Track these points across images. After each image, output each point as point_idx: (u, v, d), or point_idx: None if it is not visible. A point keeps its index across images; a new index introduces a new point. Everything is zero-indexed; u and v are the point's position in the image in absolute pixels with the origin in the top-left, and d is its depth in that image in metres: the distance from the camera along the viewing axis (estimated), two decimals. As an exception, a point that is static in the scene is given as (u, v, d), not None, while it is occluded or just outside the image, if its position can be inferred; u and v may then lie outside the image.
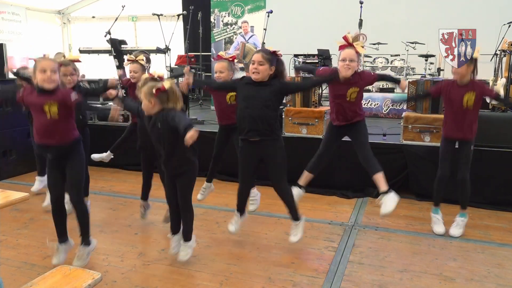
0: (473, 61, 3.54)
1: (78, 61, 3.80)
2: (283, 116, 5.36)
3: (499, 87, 6.22)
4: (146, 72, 3.98)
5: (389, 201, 3.39)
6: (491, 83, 6.24)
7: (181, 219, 3.25)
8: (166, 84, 2.92)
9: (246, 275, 3.09)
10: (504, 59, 6.44)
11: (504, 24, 6.47)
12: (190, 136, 2.59)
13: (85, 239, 3.22)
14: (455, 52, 3.38)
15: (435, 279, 3.05)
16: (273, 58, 3.23)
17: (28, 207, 4.44)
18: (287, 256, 3.41)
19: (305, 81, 3.63)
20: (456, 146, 3.77)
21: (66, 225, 3.26)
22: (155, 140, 3.07)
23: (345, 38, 3.52)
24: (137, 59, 4.10)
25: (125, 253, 3.46)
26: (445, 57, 3.67)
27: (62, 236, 3.24)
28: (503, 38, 6.50)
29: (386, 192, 3.43)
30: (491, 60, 6.65)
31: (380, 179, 3.48)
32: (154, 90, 2.88)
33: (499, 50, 6.55)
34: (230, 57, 3.92)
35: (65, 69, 3.67)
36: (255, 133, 3.21)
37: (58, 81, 3.05)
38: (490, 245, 3.63)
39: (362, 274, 3.13)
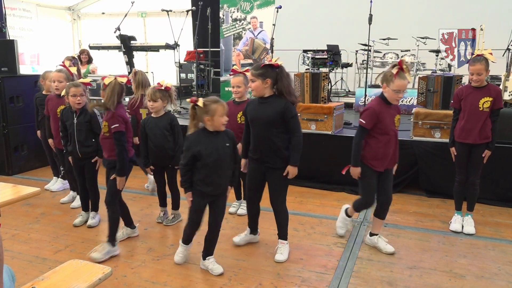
0: (488, 65, 3.54)
1: (90, 84, 3.84)
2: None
3: (511, 83, 6.14)
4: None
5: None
6: (503, 79, 6.16)
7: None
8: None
9: (255, 271, 3.10)
10: (517, 55, 6.35)
11: (517, 19, 6.38)
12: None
13: (111, 238, 3.31)
14: (455, 52, 3.35)
15: (445, 276, 3.03)
16: (265, 71, 3.06)
17: (39, 201, 4.49)
18: (295, 252, 3.41)
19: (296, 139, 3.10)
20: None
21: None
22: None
23: (399, 63, 3.23)
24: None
25: (135, 248, 3.48)
26: (445, 57, 3.65)
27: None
28: (515, 33, 6.41)
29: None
30: (503, 55, 6.55)
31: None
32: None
33: (511, 46, 6.46)
34: (244, 71, 3.90)
35: (76, 90, 3.67)
36: (258, 153, 3.19)
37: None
38: (501, 242, 3.60)
39: (371, 270, 3.12)
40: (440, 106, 4.89)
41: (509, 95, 6.24)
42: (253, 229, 3.56)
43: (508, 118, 4.43)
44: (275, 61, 3.11)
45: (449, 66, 8.22)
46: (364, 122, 3.25)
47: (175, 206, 4.06)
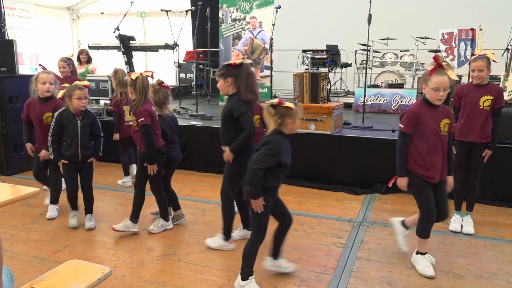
0: (490, 64, 3.54)
1: (88, 87, 3.84)
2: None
3: (511, 82, 6.14)
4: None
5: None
6: (502, 78, 6.16)
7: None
8: None
9: (254, 271, 3.09)
10: (516, 54, 6.35)
11: (516, 19, 6.38)
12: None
13: (164, 217, 3.84)
14: (455, 52, 3.30)
15: (444, 276, 3.03)
16: (226, 70, 3.16)
17: (39, 202, 4.49)
18: (295, 252, 3.41)
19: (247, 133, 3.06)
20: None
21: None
22: None
23: (435, 58, 2.99)
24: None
25: (134, 248, 3.48)
26: (445, 57, 3.64)
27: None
28: (514, 33, 6.41)
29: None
30: (502, 55, 6.56)
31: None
32: None
33: (510, 45, 6.46)
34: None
35: (81, 92, 3.70)
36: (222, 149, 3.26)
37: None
38: (500, 242, 3.60)
39: (371, 270, 3.12)
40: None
41: (508, 95, 6.24)
42: (246, 224, 3.58)
43: (508, 117, 4.43)
44: (238, 62, 3.17)
45: (448, 66, 8.23)
46: (402, 126, 3.01)
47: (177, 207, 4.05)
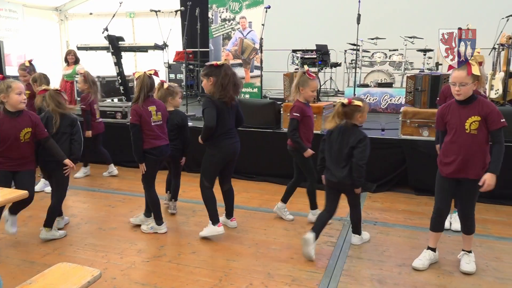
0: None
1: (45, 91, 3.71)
2: (282, 112, 5.37)
3: (498, 81, 6.22)
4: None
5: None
6: (489, 77, 6.24)
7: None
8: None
9: (245, 271, 3.10)
10: (503, 53, 6.43)
11: (503, 18, 6.46)
12: None
13: (156, 220, 3.79)
14: (455, 52, 3.24)
15: (434, 273, 3.06)
16: (209, 70, 3.42)
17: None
18: (286, 251, 3.42)
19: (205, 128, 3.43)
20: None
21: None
22: None
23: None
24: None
25: (124, 250, 3.46)
26: (445, 57, 3.61)
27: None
28: (501, 32, 6.50)
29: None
30: (489, 54, 6.65)
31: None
32: None
33: (497, 44, 6.54)
34: None
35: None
36: None
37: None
38: (488, 239, 3.64)
39: (361, 268, 3.14)
40: (428, 105, 4.94)
41: (495, 93, 6.33)
42: (228, 213, 3.89)
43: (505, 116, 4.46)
44: (220, 63, 3.45)
45: (437, 65, 8.32)
46: (435, 123, 3.15)
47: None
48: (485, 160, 2.90)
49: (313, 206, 4.02)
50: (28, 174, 3.44)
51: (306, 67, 3.75)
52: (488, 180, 2.83)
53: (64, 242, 3.62)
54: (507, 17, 6.35)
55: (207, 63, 3.51)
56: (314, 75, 3.78)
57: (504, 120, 2.85)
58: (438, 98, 3.93)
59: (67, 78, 7.47)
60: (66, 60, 7.66)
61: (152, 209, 3.80)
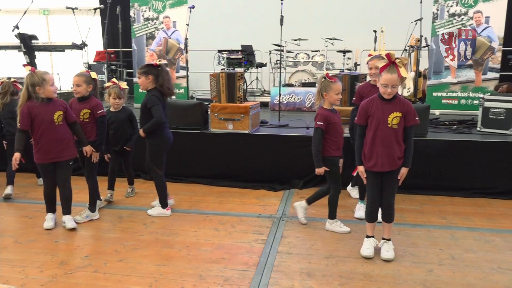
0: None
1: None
2: (209, 112, 5.35)
3: (409, 80, 6.73)
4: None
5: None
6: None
7: None
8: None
9: (177, 275, 3.05)
10: (413, 54, 6.97)
11: (412, 22, 6.99)
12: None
13: (91, 207, 4.11)
14: (455, 52, 3.31)
15: (358, 262, 3.23)
16: (148, 69, 3.90)
17: None
18: (217, 252, 3.41)
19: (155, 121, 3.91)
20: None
21: None
22: None
23: (388, 56, 3.04)
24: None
25: (45, 263, 3.23)
26: (445, 57, 3.71)
27: None
28: (411, 34, 7.03)
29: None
30: (401, 55, 7.16)
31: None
32: None
33: (407, 46, 7.07)
34: None
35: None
36: None
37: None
38: (405, 227, 3.92)
39: (291, 263, 3.22)
40: (348, 103, 5.20)
41: (407, 92, 6.84)
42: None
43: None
44: (159, 63, 3.95)
45: (355, 65, 8.79)
46: (356, 118, 3.25)
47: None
48: (402, 153, 3.18)
49: (332, 216, 3.85)
50: (66, 168, 3.81)
51: (325, 71, 3.83)
52: (404, 174, 3.21)
53: (-27, 259, 3.29)
54: (415, 21, 6.89)
55: (145, 63, 4.04)
56: (335, 77, 3.60)
57: (418, 118, 3.17)
58: (354, 98, 4.14)
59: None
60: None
61: (92, 196, 4.08)
